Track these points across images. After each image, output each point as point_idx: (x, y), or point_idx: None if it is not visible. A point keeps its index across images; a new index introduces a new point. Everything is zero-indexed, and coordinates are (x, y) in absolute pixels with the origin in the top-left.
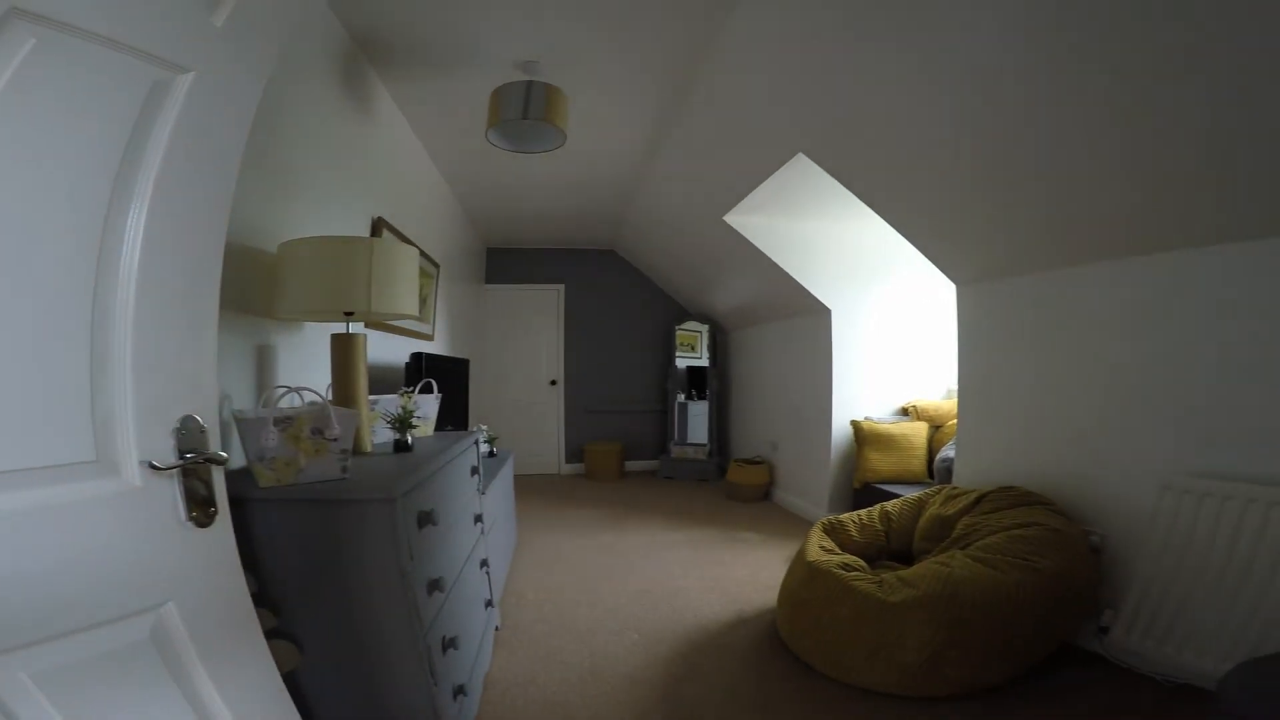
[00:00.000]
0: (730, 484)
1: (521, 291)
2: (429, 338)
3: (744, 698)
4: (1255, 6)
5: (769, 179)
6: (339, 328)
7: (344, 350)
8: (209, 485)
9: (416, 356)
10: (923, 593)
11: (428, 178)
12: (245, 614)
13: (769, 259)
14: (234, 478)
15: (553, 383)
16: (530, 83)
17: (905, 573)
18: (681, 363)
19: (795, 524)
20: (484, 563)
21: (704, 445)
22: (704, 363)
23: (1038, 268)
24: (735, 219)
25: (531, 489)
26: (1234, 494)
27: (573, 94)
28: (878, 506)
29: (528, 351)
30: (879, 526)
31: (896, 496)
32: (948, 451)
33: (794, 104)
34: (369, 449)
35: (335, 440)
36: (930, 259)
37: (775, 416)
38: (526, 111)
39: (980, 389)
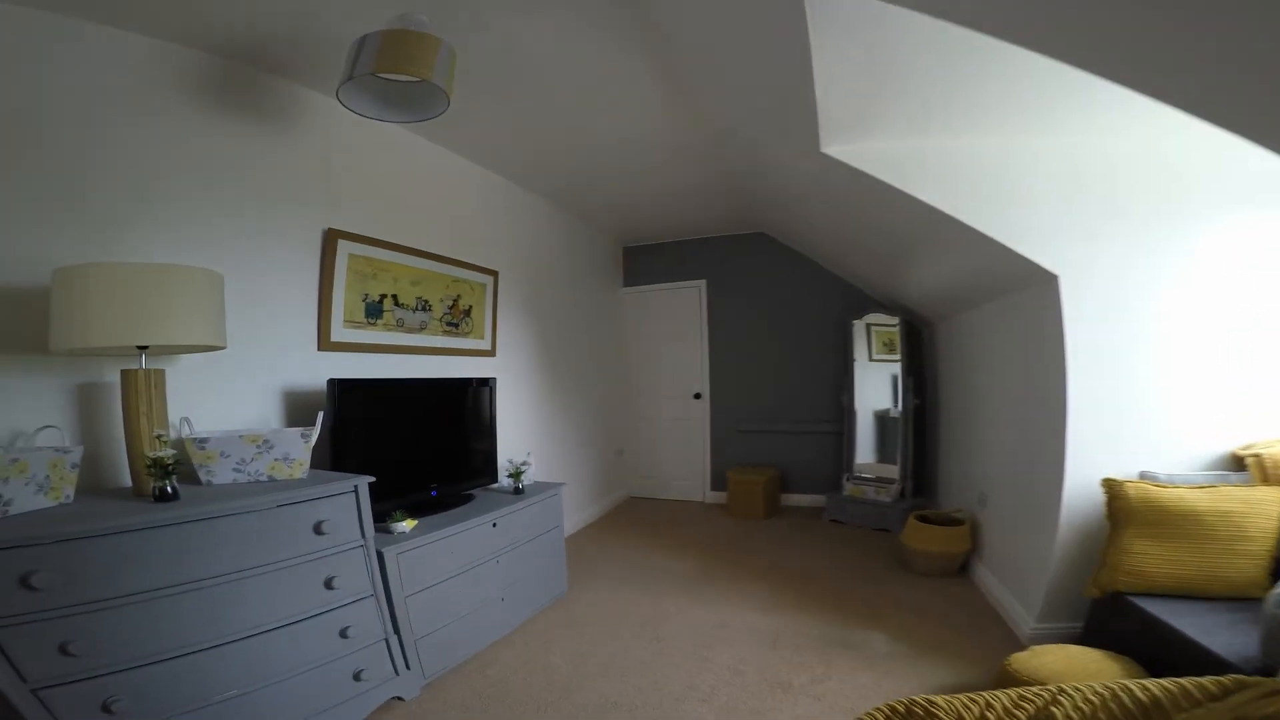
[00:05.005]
0: (903, 547)
1: (655, 293)
2: (487, 354)
3: None
4: None
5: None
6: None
7: (126, 387)
8: None
9: (332, 384)
10: None
11: (444, 175)
12: None
13: (910, 197)
14: None
15: (697, 396)
16: (364, 37)
17: None
18: (868, 368)
19: (980, 626)
20: (345, 631)
21: (892, 482)
22: (896, 368)
23: None
24: (839, 149)
25: (655, 522)
26: None
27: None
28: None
29: (669, 360)
30: None
31: (1175, 632)
32: None
33: None
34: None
35: None
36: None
37: (986, 454)
38: (354, 69)
39: None
